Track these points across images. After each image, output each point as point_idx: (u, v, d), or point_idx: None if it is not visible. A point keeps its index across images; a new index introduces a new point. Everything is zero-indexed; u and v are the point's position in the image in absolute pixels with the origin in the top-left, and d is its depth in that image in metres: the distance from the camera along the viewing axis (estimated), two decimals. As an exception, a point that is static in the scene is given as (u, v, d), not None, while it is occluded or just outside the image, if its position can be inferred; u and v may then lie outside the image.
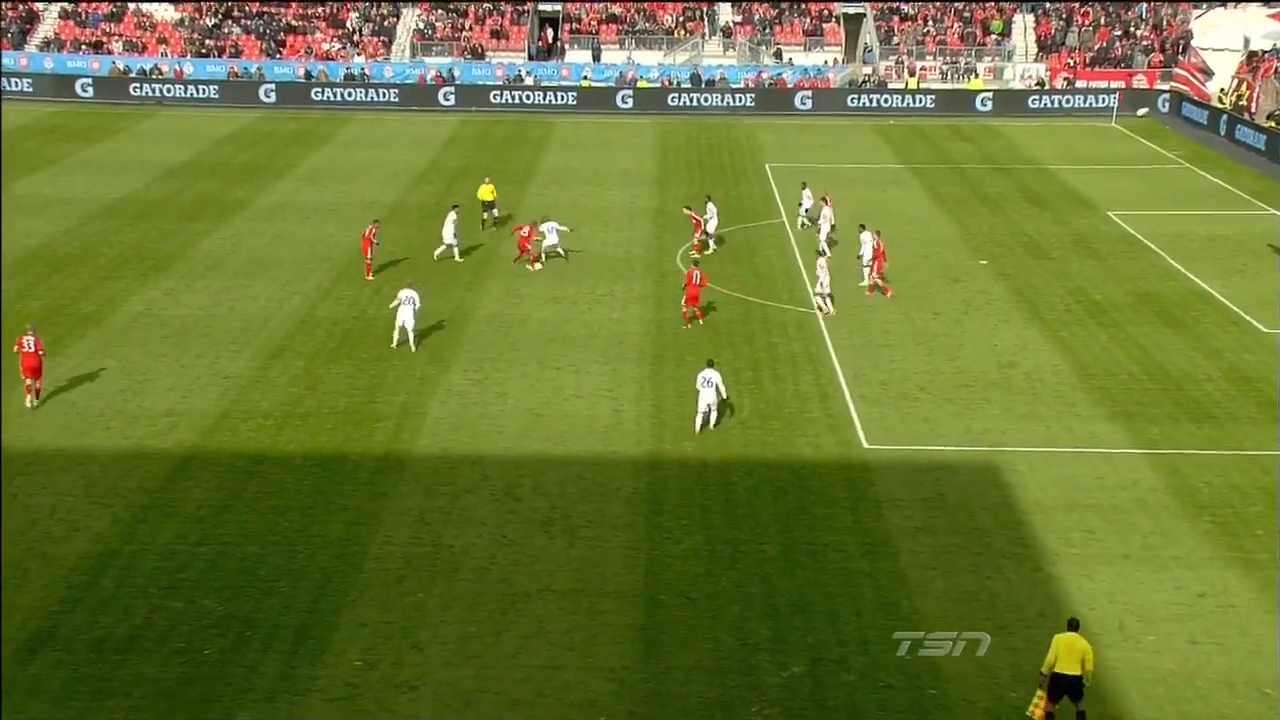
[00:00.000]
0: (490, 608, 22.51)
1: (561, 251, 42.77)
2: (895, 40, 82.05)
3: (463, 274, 41.54)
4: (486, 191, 47.74)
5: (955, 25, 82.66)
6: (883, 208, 50.47)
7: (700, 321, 36.39)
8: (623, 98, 74.48)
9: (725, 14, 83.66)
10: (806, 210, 47.02)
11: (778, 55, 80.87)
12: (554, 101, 74.38)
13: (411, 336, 34.67)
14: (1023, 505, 26.19)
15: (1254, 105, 68.24)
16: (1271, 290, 40.17)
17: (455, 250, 42.63)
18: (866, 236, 40.12)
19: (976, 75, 79.01)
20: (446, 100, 74.10)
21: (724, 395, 29.81)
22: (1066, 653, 19.16)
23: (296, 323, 36.91)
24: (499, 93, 74.96)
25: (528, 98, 74.66)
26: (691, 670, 20.86)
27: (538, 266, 41.95)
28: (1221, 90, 72.83)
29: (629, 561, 24.03)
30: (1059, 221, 49.04)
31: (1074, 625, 19.58)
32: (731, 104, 74.50)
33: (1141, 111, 72.52)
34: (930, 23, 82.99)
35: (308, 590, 22.96)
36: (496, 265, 42.72)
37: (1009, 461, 28.15)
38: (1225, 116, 67.13)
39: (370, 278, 40.72)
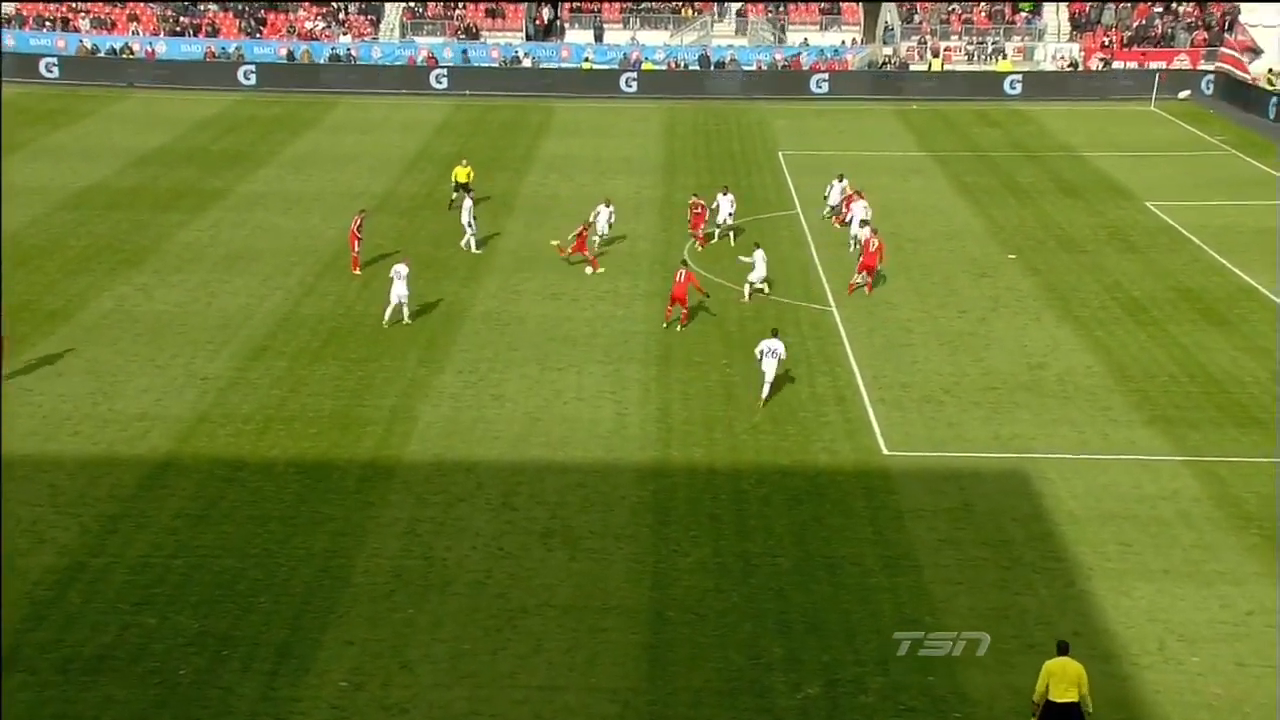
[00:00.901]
0: (485, 624, 22.51)
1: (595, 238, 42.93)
2: (918, 19, 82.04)
3: (458, 267, 41.58)
4: (462, 173, 48.00)
5: (982, 3, 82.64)
6: (904, 198, 50.47)
7: (680, 326, 35.92)
8: (627, 80, 74.52)
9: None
10: (833, 205, 46.95)
11: (782, 31, 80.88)
12: (554, 84, 74.42)
13: (406, 312, 36.05)
14: (1054, 516, 26.17)
15: (1306, 87, 68.26)
16: (1322, 286, 40.16)
17: (472, 241, 43.36)
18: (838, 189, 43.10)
19: (1005, 56, 78.98)
20: (439, 83, 74.17)
21: (783, 357, 31.30)
22: (1059, 679, 19.10)
23: (279, 320, 36.94)
24: (495, 75, 75.03)
25: (526, 80, 74.73)
26: (700, 691, 20.85)
27: (599, 269, 41.52)
28: (1270, 70, 72.74)
29: (633, 575, 24.02)
30: (1093, 212, 49.02)
31: (1064, 649, 19.50)
32: (743, 87, 74.47)
33: (1183, 94, 72.44)
34: (955, 0, 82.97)
35: (290, 606, 22.97)
36: (492, 259, 42.75)
37: (1040, 469, 28.13)
38: (1275, 99, 67.05)
39: (358, 271, 40.77)
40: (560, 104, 71.03)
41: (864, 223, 42.16)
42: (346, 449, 28.96)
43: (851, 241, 43.01)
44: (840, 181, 47.07)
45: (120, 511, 26.08)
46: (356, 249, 40.90)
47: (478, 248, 43.38)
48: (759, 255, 39.78)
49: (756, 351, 31.62)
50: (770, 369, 31.19)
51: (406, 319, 36.33)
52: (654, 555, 24.73)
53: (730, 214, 44.36)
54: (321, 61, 76.60)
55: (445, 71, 74.69)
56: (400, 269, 36.30)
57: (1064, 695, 19.11)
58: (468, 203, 43.70)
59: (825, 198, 47.63)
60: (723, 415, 30.90)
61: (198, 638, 22.01)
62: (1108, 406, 31.49)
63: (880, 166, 56.42)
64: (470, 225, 43.15)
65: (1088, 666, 20.98)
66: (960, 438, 29.79)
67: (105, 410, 30.70)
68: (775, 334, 31.95)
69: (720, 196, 44.84)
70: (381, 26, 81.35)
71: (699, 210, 43.97)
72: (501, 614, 22.80)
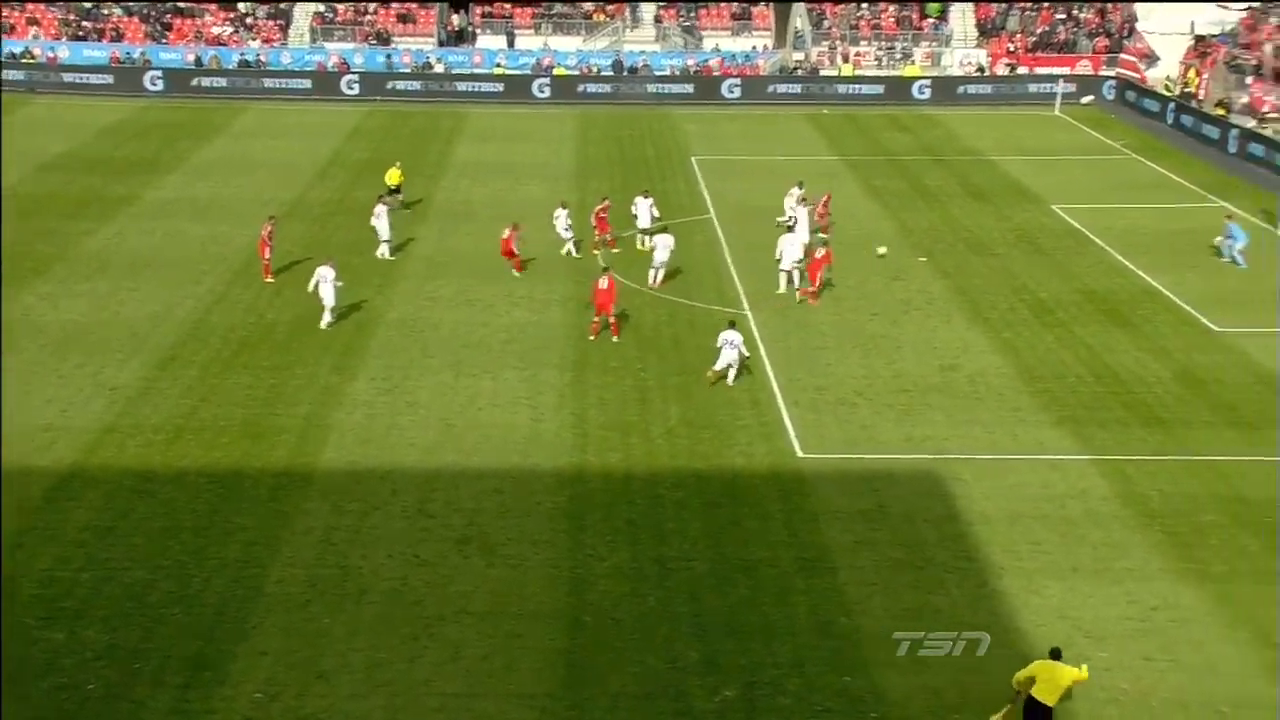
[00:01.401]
0: (402, 633, 22.35)
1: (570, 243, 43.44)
2: (827, 24, 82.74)
3: (371, 274, 41.26)
4: (395, 176, 47.77)
5: (891, 8, 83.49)
6: (808, 201, 50.73)
7: (615, 339, 35.81)
8: (539, 86, 74.42)
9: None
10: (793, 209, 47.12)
11: (696, 39, 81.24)
12: (467, 90, 74.14)
13: (329, 314, 36.20)
14: (967, 516, 26.48)
15: (1202, 93, 69.62)
16: (1223, 287, 40.97)
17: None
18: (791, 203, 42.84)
19: (914, 61, 79.88)
20: (350, 89, 73.57)
21: (745, 355, 32.84)
22: (1046, 681, 19.37)
23: (189, 329, 36.44)
24: (406, 80, 74.62)
25: (438, 86, 74.38)
26: (618, 696, 20.85)
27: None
28: (1168, 78, 74.22)
29: (550, 581, 23.97)
30: (1001, 216, 49.71)
31: (1056, 654, 19.77)
32: (655, 92, 74.66)
33: (1086, 99, 73.71)
34: (864, 6, 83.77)
35: (203, 617, 22.66)
36: (406, 265, 42.48)
37: (952, 470, 28.45)
38: (1173, 105, 68.42)
39: (269, 279, 40.32)
40: (473, 110, 70.76)
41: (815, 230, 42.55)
42: (259, 458, 28.63)
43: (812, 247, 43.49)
44: (799, 189, 47.13)
45: (26, 524, 25.56)
46: (267, 256, 40.46)
47: (391, 254, 43.09)
48: (661, 239, 40.19)
49: (716, 345, 32.80)
50: (730, 358, 32.62)
51: (327, 323, 36.21)
52: (571, 561, 24.70)
53: (653, 218, 44.41)
54: (230, 67, 75.70)
55: (356, 77, 74.14)
56: (325, 272, 36.33)
57: (1048, 697, 19.38)
58: (381, 208, 43.28)
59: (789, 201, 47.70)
60: (638, 420, 30.93)
61: (107, 651, 21.64)
62: (1017, 407, 31.93)
63: (793, 171, 56.73)
64: (383, 232, 42.82)
65: (1000, 665, 21.34)
66: (874, 439, 30.05)
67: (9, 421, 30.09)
68: (733, 325, 33.19)
69: (639, 200, 44.93)
70: (290, 32, 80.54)
71: (604, 214, 44.08)
72: (418, 622, 22.65)
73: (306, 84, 73.95)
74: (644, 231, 44.33)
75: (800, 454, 29.29)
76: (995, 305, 39.42)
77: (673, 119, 69.00)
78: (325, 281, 36.33)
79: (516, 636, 22.28)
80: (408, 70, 76.53)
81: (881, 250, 43.36)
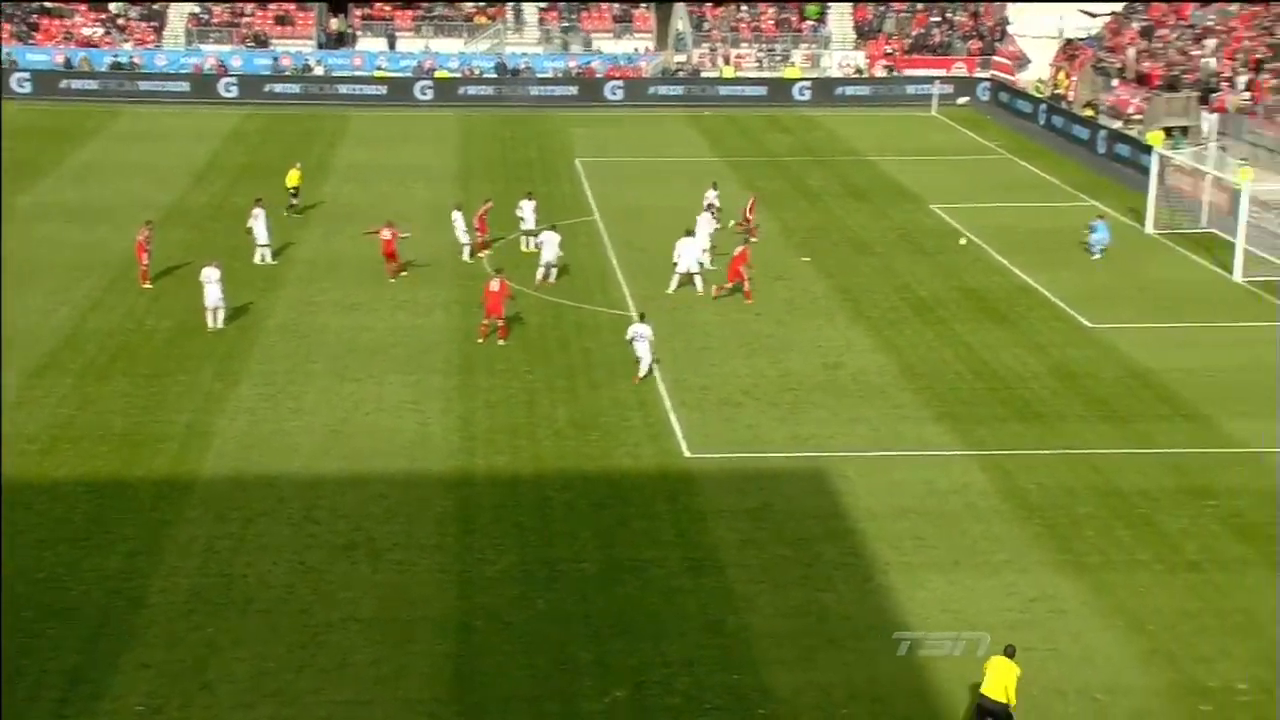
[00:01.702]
0: (289, 641, 22.03)
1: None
2: (708, 26, 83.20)
3: (254, 279, 40.63)
4: (294, 177, 47.27)
5: (770, 10, 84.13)
6: (700, 204, 50.98)
7: (502, 342, 35.52)
8: (422, 89, 73.89)
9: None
10: (717, 210, 47.23)
11: (581, 40, 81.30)
12: (348, 92, 73.36)
13: (221, 315, 36.04)
14: (852, 513, 26.77)
15: (1072, 95, 71.20)
16: (1095, 284, 41.92)
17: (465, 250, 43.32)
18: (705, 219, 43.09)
19: (794, 63, 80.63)
20: (229, 92, 72.41)
21: (652, 340, 33.19)
22: (991, 676, 19.66)
23: (64, 336, 35.59)
24: (285, 83, 73.61)
25: (318, 89, 73.50)
26: (509, 699, 20.76)
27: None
28: (1039, 79, 75.78)
29: (439, 585, 23.80)
30: (881, 215, 50.36)
31: (1009, 652, 19.99)
32: (539, 95, 74.53)
33: (962, 100, 74.95)
34: (744, 7, 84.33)
35: (82, 630, 22.13)
36: (289, 269, 41.92)
37: (837, 467, 28.75)
38: (1044, 106, 69.87)
39: (147, 285, 39.53)
40: (355, 113, 70.05)
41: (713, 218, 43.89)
42: (140, 466, 28.05)
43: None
44: (714, 191, 47.08)
45: (-104, 540, 24.77)
46: (145, 261, 39.66)
47: (272, 259, 42.49)
48: (548, 237, 40.35)
49: (627, 337, 33.19)
50: (642, 350, 32.93)
51: (219, 324, 35.96)
52: (459, 565, 24.54)
53: (534, 220, 44.31)
54: (102, 69, 74.07)
55: (234, 80, 72.98)
56: (210, 273, 35.90)
57: (993, 693, 19.59)
58: (258, 210, 42.60)
59: (710, 204, 47.67)
60: (526, 423, 30.84)
61: (-17, 669, 21.03)
62: (899, 404, 32.36)
63: (677, 172, 57.03)
64: (260, 236, 42.19)
65: (885, 658, 21.62)
66: (760, 438, 30.27)
67: (-123, 434, 29.15)
68: (643, 318, 33.81)
69: (524, 203, 44.79)
70: (165, 33, 79.00)
71: (484, 216, 43.98)
72: (305, 630, 22.34)
73: (184, 87, 72.68)
74: (528, 233, 44.23)
75: (687, 454, 29.40)
76: (877, 304, 39.93)
77: (556, 121, 68.92)
78: (210, 283, 35.85)
79: (406, 642, 22.07)
80: (288, 73, 75.51)
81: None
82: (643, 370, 33.19)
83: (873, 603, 23.58)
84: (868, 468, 28.76)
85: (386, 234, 40.81)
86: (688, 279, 40.06)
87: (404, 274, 41.22)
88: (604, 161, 59.26)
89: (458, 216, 43.45)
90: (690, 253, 39.93)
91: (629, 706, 20.69)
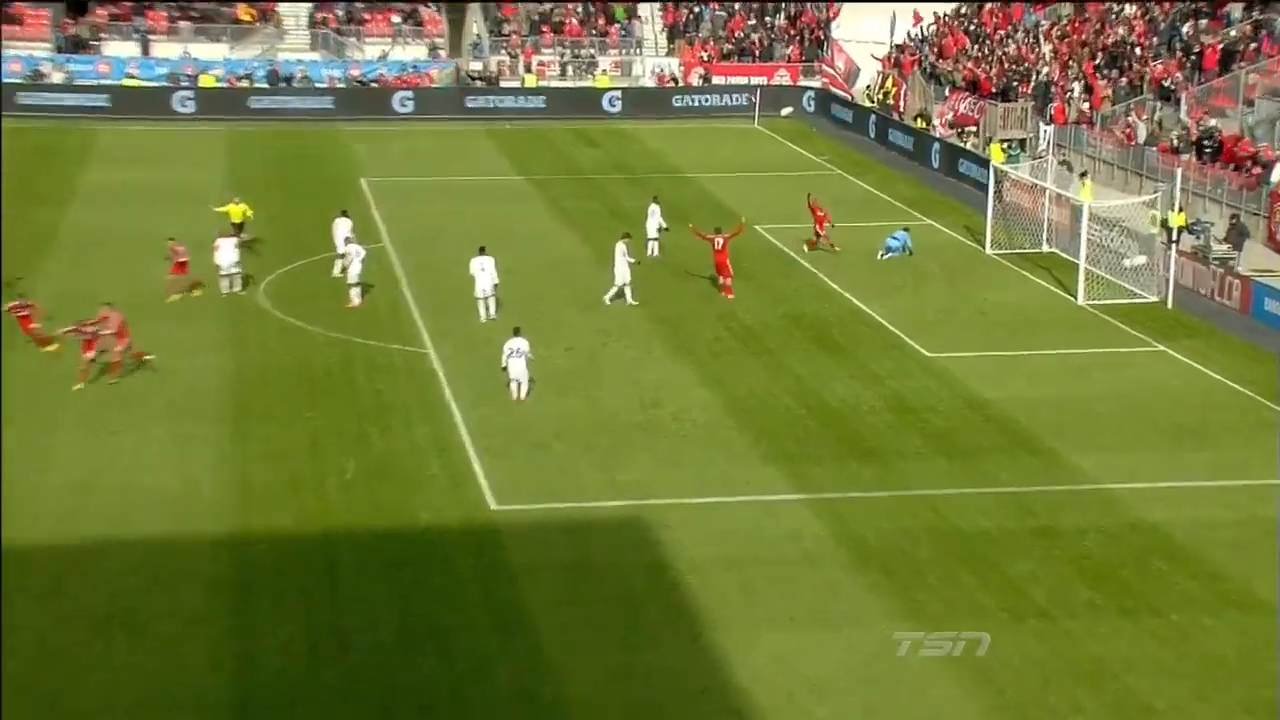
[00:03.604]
0: (36, 735, 21.31)
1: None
2: (508, 29, 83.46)
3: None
4: (235, 212, 46.33)
5: (575, 8, 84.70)
6: (505, 225, 51.10)
7: (113, 380, 35.06)
8: (181, 99, 72.61)
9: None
10: (661, 229, 47.74)
11: (359, 46, 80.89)
12: (90, 105, 71.64)
13: None
14: (677, 565, 26.96)
15: (901, 104, 73.21)
16: (932, 309, 43.09)
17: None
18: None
19: (603, 71, 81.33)
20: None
21: (530, 356, 34.32)
22: None
23: None
24: (20, 93, 71.46)
25: (56, 99, 71.67)
26: (296, 791, 20.39)
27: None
28: (868, 87, 77.76)
29: (212, 662, 23.28)
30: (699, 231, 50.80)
31: None
32: (317, 108, 73.85)
33: (785, 111, 76.43)
34: (546, 5, 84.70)
35: None
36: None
37: (660, 516, 28.94)
38: (873, 117, 71.74)
39: None
40: (104, 126, 68.43)
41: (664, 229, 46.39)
42: None
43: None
44: (655, 205, 47.93)
45: None
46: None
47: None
48: (354, 250, 41.20)
49: (503, 356, 34.16)
50: (518, 369, 34.09)
51: None
52: (235, 638, 24.04)
53: (346, 239, 43.79)
54: None
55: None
56: None
57: None
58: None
59: (656, 223, 48.24)
60: (311, 474, 30.41)
61: None
62: (726, 444, 32.76)
63: (476, 192, 57.03)
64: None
65: (718, 724, 21.78)
66: (574, 486, 30.34)
67: None
68: (518, 332, 34.56)
69: (339, 220, 44.90)
70: None
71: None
72: (55, 721, 21.64)
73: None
74: (340, 256, 43.82)
75: (494, 505, 29.32)
76: (699, 334, 40.41)
77: (338, 136, 68.32)
78: None
79: (174, 730, 21.55)
80: (19, 80, 73.27)
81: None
82: (522, 393, 34.24)
83: (701, 663, 23.75)
84: (693, 515, 29.03)
85: (182, 254, 41.29)
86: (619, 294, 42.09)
87: (180, 297, 40.74)
88: (393, 182, 58.93)
89: (225, 244, 42.71)
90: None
91: (433, 791, 20.48)
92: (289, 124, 71.11)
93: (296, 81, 76.12)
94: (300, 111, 73.28)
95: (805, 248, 48.96)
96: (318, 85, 76.29)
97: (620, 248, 42.62)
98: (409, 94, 75.18)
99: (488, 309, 40.49)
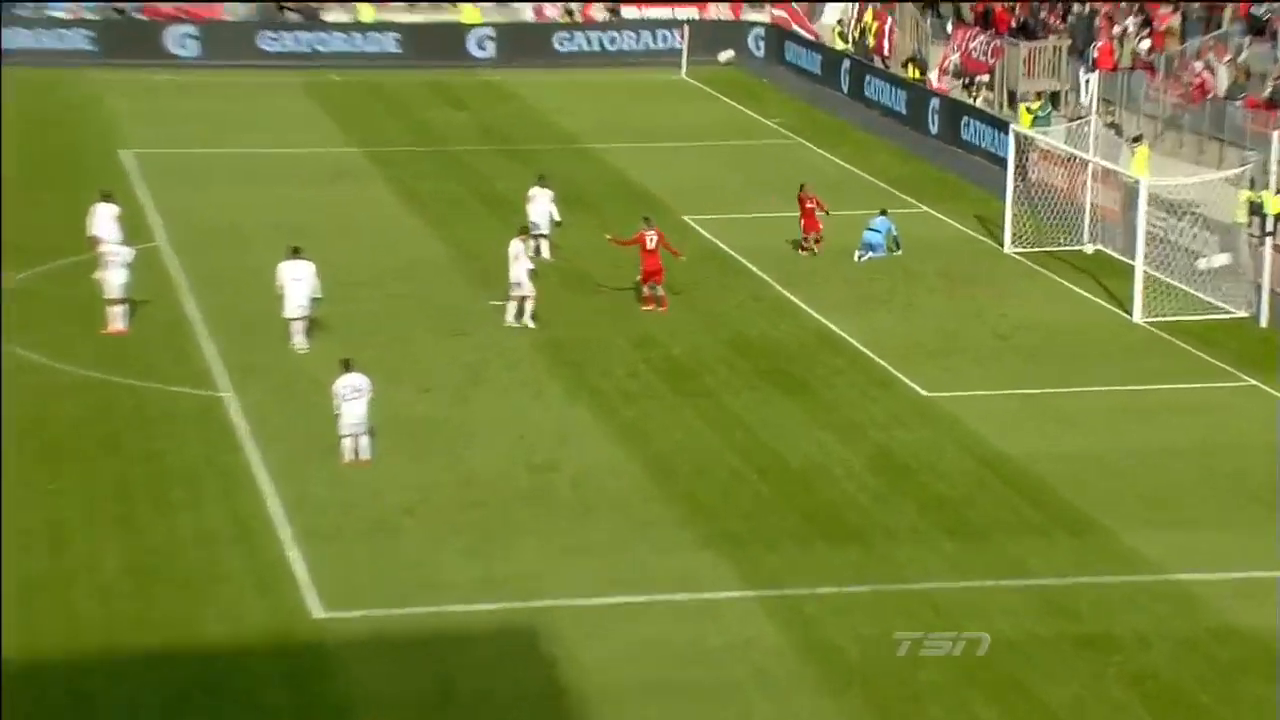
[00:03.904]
0: None
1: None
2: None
3: None
4: None
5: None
6: (329, 216, 50.98)
7: None
8: None
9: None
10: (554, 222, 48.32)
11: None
12: None
13: None
14: (575, 693, 26.81)
15: (886, 46, 73.39)
16: (931, 331, 43.23)
17: None
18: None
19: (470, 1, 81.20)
20: None
21: (371, 396, 34.54)
22: None
23: None
24: None
25: None
26: None
27: None
28: (839, 23, 78.09)
29: None
30: (607, 230, 50.72)
31: None
32: (63, 45, 73.33)
33: (725, 56, 76.35)
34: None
35: None
36: None
37: (552, 623, 28.80)
38: (847, 63, 72.04)
39: None
40: None
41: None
42: None
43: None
44: (542, 188, 48.59)
45: None
46: None
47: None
48: (122, 254, 41.88)
49: (335, 398, 34.17)
50: (355, 416, 34.25)
51: None
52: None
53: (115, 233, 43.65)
54: None
55: None
56: None
57: None
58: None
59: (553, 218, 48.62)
60: (51, 574, 30.05)
61: None
62: (647, 522, 32.68)
63: (289, 169, 56.82)
64: None
65: None
66: (433, 583, 30.15)
67: None
68: (349, 366, 34.62)
69: (101, 207, 44.86)
70: None
71: None
72: None
73: None
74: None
75: (319, 613, 29.08)
76: (610, 369, 40.34)
77: (89, 86, 67.86)
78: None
79: None
80: None
81: (493, 302, 44.07)
82: (361, 451, 34.46)
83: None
84: (599, 621, 28.93)
85: None
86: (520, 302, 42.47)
87: None
88: (170, 154, 58.59)
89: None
90: (522, 266, 41.94)
91: None
92: (21, 67, 70.18)
93: (31, 12, 75.47)
94: (29, 52, 72.52)
95: (799, 251, 49.20)
96: (53, 13, 75.63)
97: (516, 247, 42.52)
98: (191, 30, 74.74)
99: (304, 334, 40.23)
